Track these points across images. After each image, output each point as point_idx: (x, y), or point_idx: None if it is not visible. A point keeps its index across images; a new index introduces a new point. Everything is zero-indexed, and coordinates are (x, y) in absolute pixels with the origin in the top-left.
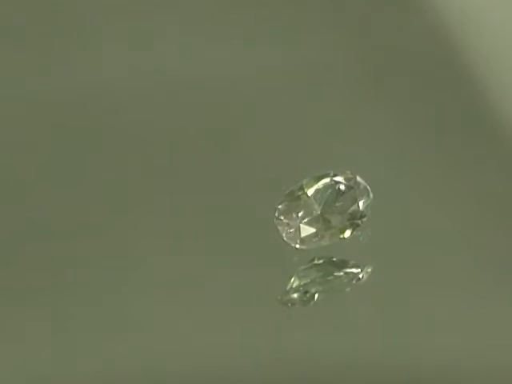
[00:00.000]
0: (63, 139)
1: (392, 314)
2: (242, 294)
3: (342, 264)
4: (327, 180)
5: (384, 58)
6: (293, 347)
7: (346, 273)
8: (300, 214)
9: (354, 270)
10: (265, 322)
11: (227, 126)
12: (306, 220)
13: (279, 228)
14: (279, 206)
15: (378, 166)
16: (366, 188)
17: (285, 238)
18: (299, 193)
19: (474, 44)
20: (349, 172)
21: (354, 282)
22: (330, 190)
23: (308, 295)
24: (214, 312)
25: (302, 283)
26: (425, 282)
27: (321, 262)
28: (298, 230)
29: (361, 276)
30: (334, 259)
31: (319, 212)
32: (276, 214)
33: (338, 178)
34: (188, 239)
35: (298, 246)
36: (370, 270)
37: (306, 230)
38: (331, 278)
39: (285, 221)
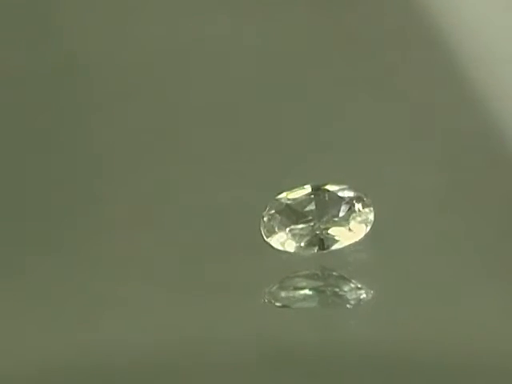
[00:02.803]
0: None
1: (390, 319)
2: (229, 288)
3: (343, 281)
4: (337, 195)
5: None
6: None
7: (343, 291)
8: (295, 219)
9: (352, 290)
10: (253, 316)
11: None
12: (299, 226)
13: (267, 224)
14: (275, 207)
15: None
16: (370, 211)
17: (269, 239)
18: (303, 197)
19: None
20: (363, 194)
21: (351, 304)
22: (335, 204)
23: (297, 298)
24: (205, 304)
25: (294, 285)
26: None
27: (321, 272)
28: (287, 233)
29: (359, 299)
30: (335, 274)
31: (317, 222)
32: (267, 213)
33: (348, 194)
34: (183, 235)
35: (281, 248)
36: (370, 295)
37: (295, 235)
38: (325, 291)
39: (275, 222)
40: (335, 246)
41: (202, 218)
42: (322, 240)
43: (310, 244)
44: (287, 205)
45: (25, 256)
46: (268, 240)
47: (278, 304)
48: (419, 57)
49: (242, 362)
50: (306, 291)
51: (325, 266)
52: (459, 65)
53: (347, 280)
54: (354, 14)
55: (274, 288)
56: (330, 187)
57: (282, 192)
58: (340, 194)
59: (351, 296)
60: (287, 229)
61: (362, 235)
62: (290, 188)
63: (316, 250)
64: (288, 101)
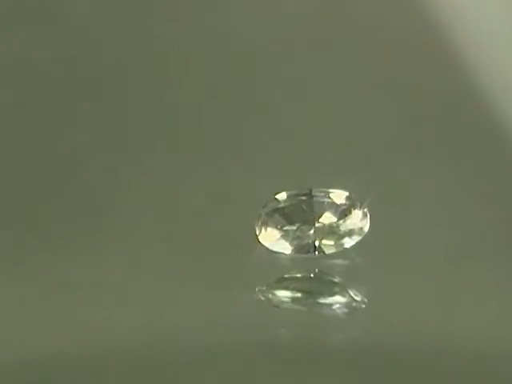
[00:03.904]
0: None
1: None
2: (223, 286)
3: (335, 286)
4: (335, 200)
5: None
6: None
7: (335, 297)
8: (290, 221)
9: (344, 297)
10: (247, 314)
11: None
12: (294, 228)
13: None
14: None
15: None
16: (366, 221)
17: (263, 239)
18: (300, 199)
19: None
20: (361, 202)
21: (345, 311)
22: (331, 209)
23: (287, 299)
24: (203, 302)
25: (289, 286)
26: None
27: (313, 276)
28: (282, 233)
29: (351, 308)
30: (327, 278)
31: (312, 225)
32: (263, 213)
33: (346, 200)
34: (181, 233)
35: (274, 248)
36: (363, 304)
37: (290, 237)
38: (316, 295)
39: (270, 222)
40: (328, 251)
41: (200, 217)
42: (315, 244)
43: (303, 247)
44: (284, 206)
45: (26, 253)
46: (262, 239)
47: (268, 303)
48: (419, 57)
49: (233, 357)
50: (297, 293)
51: (316, 269)
52: (459, 64)
53: (340, 285)
54: (354, 13)
55: (266, 287)
56: (329, 192)
57: (280, 192)
58: (338, 199)
59: (343, 303)
60: (282, 229)
61: (354, 242)
62: (289, 189)
63: (309, 254)
64: (287, 100)
